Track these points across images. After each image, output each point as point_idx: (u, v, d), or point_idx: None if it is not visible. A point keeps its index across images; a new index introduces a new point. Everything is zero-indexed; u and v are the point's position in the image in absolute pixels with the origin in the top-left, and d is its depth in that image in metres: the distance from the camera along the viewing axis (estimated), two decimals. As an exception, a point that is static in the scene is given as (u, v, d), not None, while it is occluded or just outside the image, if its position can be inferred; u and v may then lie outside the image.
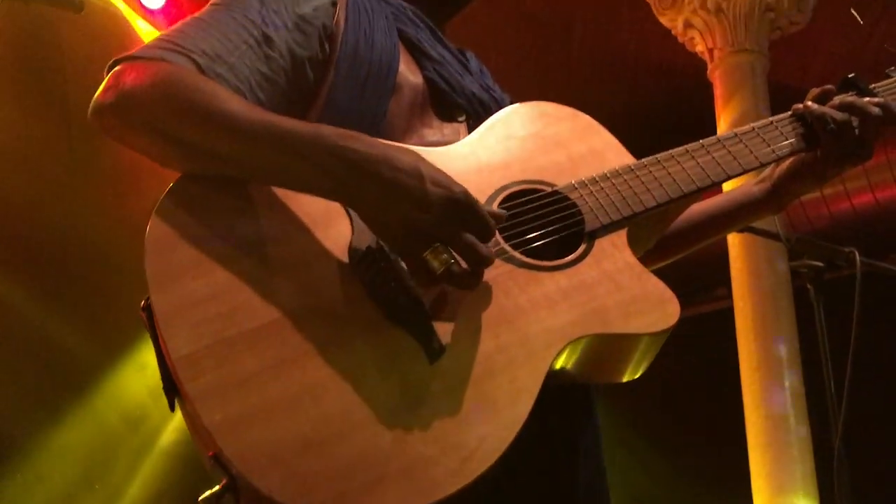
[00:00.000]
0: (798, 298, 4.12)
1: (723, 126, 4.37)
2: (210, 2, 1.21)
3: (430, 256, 0.96)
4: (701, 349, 5.27)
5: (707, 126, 4.53)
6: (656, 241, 1.36)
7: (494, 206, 1.10)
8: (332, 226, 1.02)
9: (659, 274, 1.11)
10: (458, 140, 1.21)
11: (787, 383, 4.09)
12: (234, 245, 0.99)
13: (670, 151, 1.23)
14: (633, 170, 1.19)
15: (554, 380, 1.00)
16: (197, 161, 1.03)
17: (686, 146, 1.24)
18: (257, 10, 1.16)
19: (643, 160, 1.21)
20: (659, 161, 1.21)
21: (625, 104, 6.03)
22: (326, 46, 1.20)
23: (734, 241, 4.28)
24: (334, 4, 1.24)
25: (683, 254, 1.46)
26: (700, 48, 4.65)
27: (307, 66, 1.18)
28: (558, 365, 1.01)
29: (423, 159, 1.00)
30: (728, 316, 4.50)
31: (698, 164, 1.22)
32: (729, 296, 4.58)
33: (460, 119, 1.27)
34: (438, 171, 0.99)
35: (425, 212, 0.96)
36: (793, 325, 4.21)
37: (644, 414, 5.78)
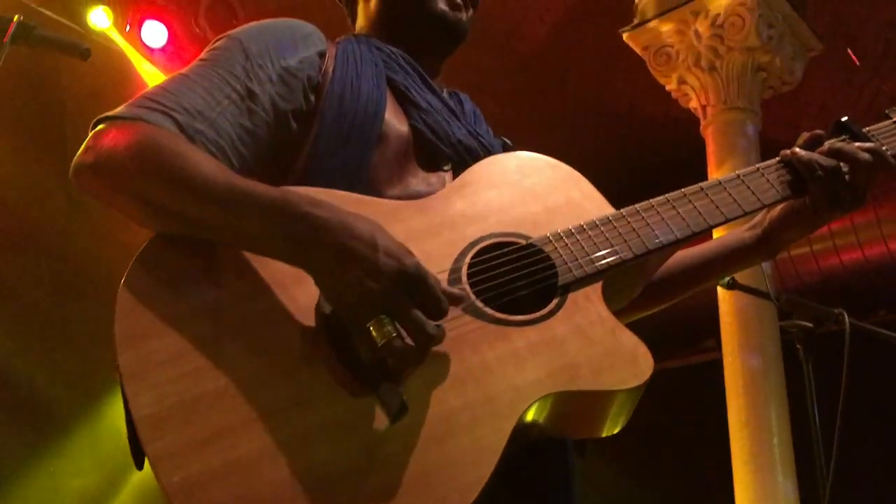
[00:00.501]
0: (787, 352, 4.11)
1: (714, 180, 4.41)
2: (198, 56, 1.23)
3: (374, 327, 0.94)
4: (688, 400, 5.23)
5: (699, 180, 4.55)
6: (642, 288, 1.34)
7: (467, 261, 1.08)
8: (300, 287, 1.01)
9: (645, 322, 1.09)
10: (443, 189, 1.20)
11: (775, 440, 4.07)
12: (200, 306, 1.00)
13: (650, 201, 1.20)
14: (610, 221, 1.16)
15: (525, 436, 0.99)
16: (168, 223, 1.05)
17: (667, 195, 1.21)
18: (241, 65, 1.18)
19: (622, 210, 1.18)
20: (638, 211, 1.18)
21: (618, 155, 6.08)
22: (311, 98, 1.22)
23: (724, 296, 4.28)
24: (322, 56, 1.26)
25: (673, 301, 1.43)
26: (693, 104, 4.72)
27: (290, 118, 1.20)
28: (529, 418, 0.99)
29: (381, 230, 1.00)
30: (716, 367, 4.48)
31: (679, 213, 1.18)
32: (718, 347, 4.57)
33: (446, 168, 1.27)
34: (394, 242, 0.99)
35: (375, 281, 0.95)
36: (782, 382, 4.20)
37: (629, 464, 5.72)
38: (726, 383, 4.29)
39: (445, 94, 1.40)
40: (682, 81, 4.74)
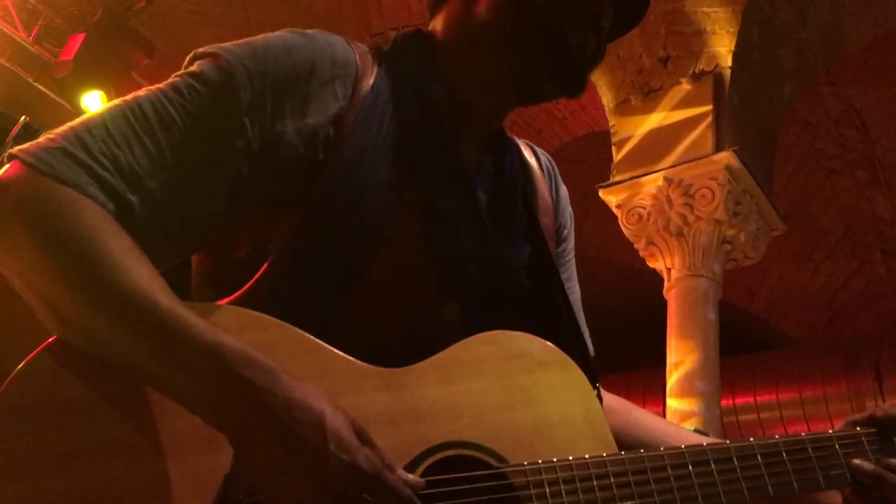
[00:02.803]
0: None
1: (672, 344, 4.51)
2: (160, 88, 0.93)
3: None
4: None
5: (659, 333, 4.70)
6: None
7: (417, 473, 0.89)
8: (212, 454, 0.82)
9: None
10: (443, 328, 0.99)
11: None
12: (75, 454, 0.80)
13: (670, 451, 0.97)
14: (606, 465, 0.93)
15: None
16: (67, 330, 0.83)
17: (692, 447, 1.00)
18: (220, 120, 0.92)
19: (628, 454, 0.96)
20: (645, 465, 0.95)
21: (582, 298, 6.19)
22: (301, 179, 0.95)
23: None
24: (337, 119, 0.97)
25: None
26: (659, 265, 4.87)
27: (259, 205, 0.95)
28: None
29: (334, 411, 0.81)
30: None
31: (695, 484, 0.95)
32: None
33: (450, 304, 1.03)
34: (346, 428, 0.81)
35: (320, 476, 0.78)
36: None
37: None
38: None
39: (483, 175, 1.11)
40: (650, 242, 4.90)
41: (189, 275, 1.07)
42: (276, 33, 1.00)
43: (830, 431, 1.11)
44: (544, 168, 1.25)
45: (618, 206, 4.99)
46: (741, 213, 4.77)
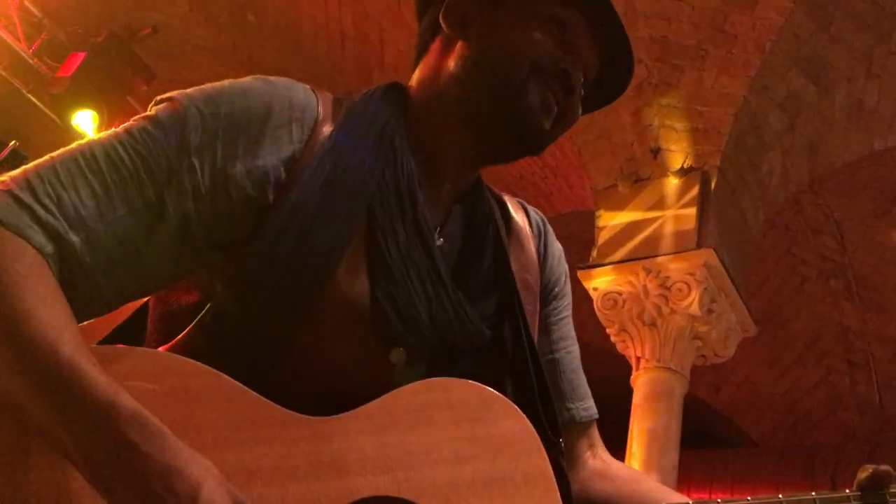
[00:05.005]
0: None
1: (635, 433, 4.48)
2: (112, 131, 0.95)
3: None
4: None
5: (624, 420, 4.68)
6: None
7: None
8: None
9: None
10: (388, 376, 0.95)
11: None
12: None
13: None
14: None
15: None
16: None
17: None
18: (168, 160, 0.92)
19: None
20: None
21: (548, 374, 6.16)
22: (247, 221, 0.94)
23: None
24: (291, 160, 0.96)
25: None
26: (629, 353, 4.87)
27: (203, 245, 0.93)
28: None
29: (216, 485, 0.78)
30: None
31: None
32: None
33: (397, 352, 0.98)
34: (222, 501, 0.78)
35: None
36: None
37: None
38: None
39: (451, 225, 1.10)
40: (623, 328, 4.91)
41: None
42: (239, 80, 1.01)
43: (813, 494, 1.06)
44: (534, 225, 1.23)
45: (594, 289, 5.00)
46: (715, 311, 4.81)
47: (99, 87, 5.32)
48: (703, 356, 4.90)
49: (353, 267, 0.96)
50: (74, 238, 0.86)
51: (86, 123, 5.35)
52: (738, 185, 5.08)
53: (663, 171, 5.05)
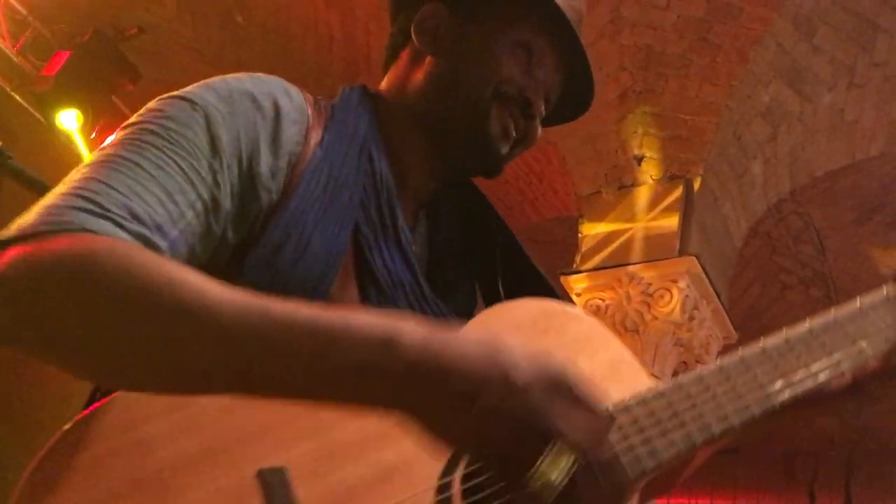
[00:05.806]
0: None
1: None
2: (138, 125, 0.89)
3: (549, 462, 0.69)
4: None
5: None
6: None
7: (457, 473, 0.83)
8: (387, 447, 0.81)
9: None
10: None
11: None
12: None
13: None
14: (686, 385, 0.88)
15: None
16: (152, 378, 0.74)
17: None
18: (208, 159, 0.88)
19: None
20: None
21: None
22: (256, 225, 0.93)
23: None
24: (292, 162, 0.96)
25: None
26: (611, 359, 4.90)
27: (223, 245, 0.92)
28: None
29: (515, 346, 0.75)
30: None
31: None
32: None
33: None
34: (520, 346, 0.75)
35: (519, 395, 0.71)
36: None
37: None
38: None
39: (418, 232, 1.11)
40: (605, 334, 4.94)
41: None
42: (237, 77, 0.99)
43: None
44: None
45: (577, 295, 5.03)
46: (696, 318, 4.84)
47: (84, 87, 5.30)
48: (685, 362, 4.93)
49: (344, 279, 0.96)
50: (162, 242, 0.81)
51: (70, 122, 5.32)
52: (721, 193, 5.13)
53: (647, 179, 5.09)
